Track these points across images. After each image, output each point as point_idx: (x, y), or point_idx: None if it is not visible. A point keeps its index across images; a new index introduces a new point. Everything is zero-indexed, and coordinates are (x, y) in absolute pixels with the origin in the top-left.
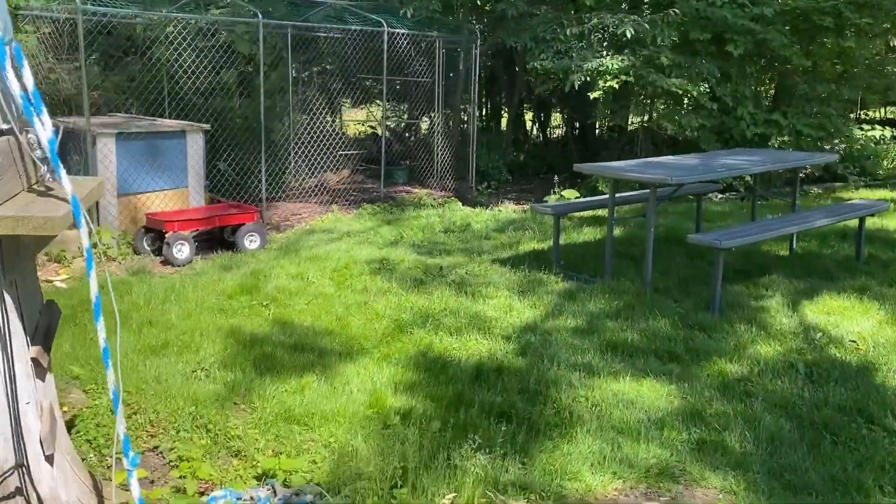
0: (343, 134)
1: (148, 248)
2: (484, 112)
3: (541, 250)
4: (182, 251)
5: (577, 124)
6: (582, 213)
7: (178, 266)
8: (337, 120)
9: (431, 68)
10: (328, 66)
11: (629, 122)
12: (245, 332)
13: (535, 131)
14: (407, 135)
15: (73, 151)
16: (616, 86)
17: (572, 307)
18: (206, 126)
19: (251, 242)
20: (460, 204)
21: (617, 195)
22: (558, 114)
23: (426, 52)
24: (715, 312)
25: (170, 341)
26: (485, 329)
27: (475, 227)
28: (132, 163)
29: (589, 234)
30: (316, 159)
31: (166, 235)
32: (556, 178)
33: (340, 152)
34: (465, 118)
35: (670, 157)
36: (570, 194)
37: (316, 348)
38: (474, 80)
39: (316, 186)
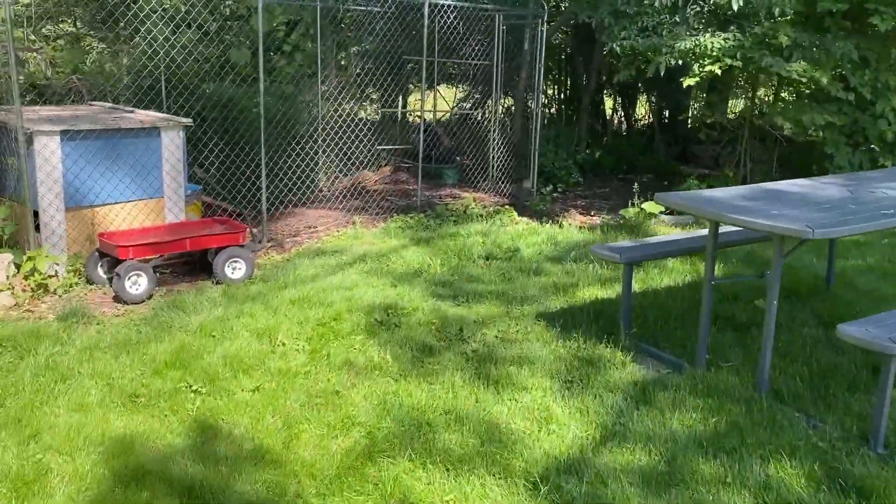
0: (383, 125)
1: (104, 277)
2: (563, 98)
3: (606, 301)
4: (138, 285)
5: (666, 114)
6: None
7: (130, 304)
8: (375, 108)
9: (490, 48)
10: (367, 47)
11: (728, 115)
12: (134, 453)
13: (616, 122)
14: (460, 127)
15: (9, 152)
16: (718, 71)
17: (643, 422)
18: (187, 121)
19: (234, 271)
20: (515, 214)
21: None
22: (643, 100)
23: (483, 28)
24: (877, 448)
25: (10, 468)
26: (502, 461)
27: (525, 252)
28: (87, 167)
29: (676, 273)
30: (350, 155)
31: (120, 263)
32: (635, 185)
33: (379, 147)
34: (531, 107)
35: (798, 183)
36: (654, 208)
37: (219, 501)
38: (537, 64)
39: (348, 189)
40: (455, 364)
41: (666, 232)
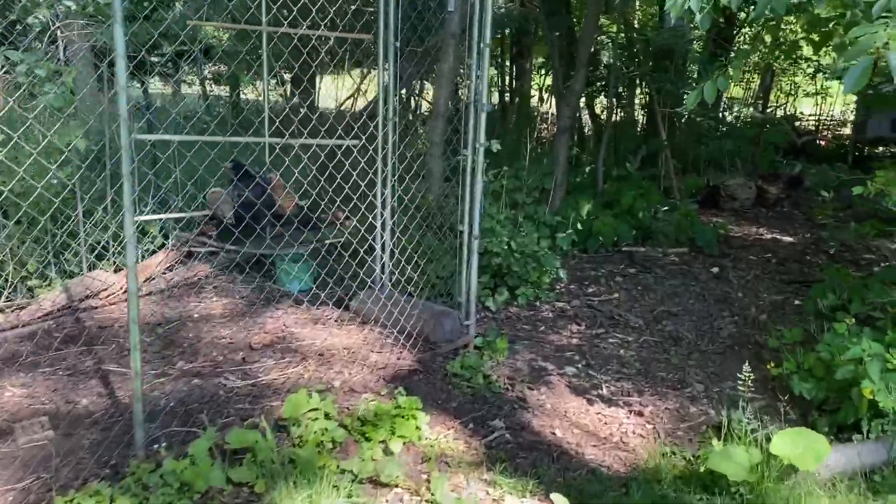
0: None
1: None
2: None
3: None
4: None
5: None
6: None
7: None
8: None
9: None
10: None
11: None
12: None
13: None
14: (321, 167)
15: None
16: None
17: None
18: None
19: None
20: (421, 417)
21: None
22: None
23: None
24: None
25: None
26: None
27: None
28: None
29: None
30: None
31: None
32: (746, 372)
33: (141, 218)
34: (460, 123)
35: None
36: (799, 458)
37: None
38: (482, 35)
39: (52, 317)
40: None
41: None
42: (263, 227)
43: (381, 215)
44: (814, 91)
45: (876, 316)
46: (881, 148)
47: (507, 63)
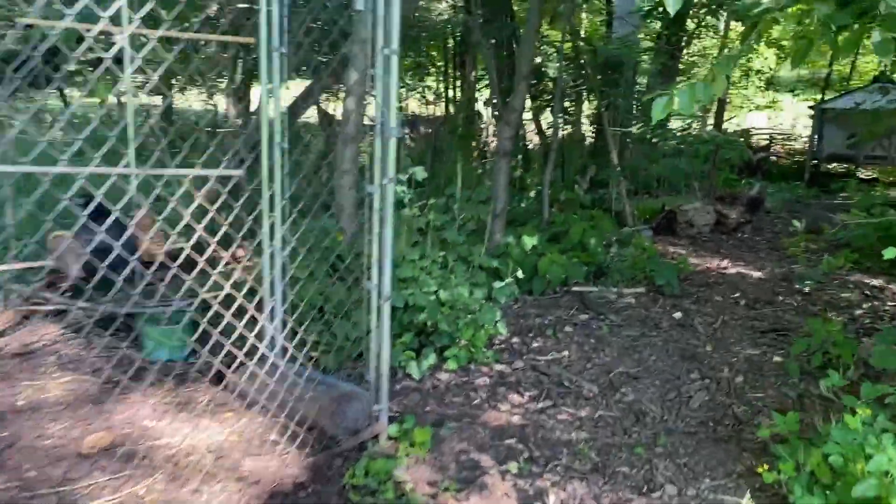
0: None
1: None
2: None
3: None
4: None
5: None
6: None
7: None
8: None
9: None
10: None
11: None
12: None
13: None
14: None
15: None
16: None
17: None
18: None
19: None
20: None
21: None
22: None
23: None
24: None
25: None
26: None
27: None
28: None
29: None
30: None
31: None
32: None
33: None
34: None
35: None
36: None
37: None
38: (388, 37)
39: None
40: None
41: None
42: (123, 278)
43: (271, 260)
44: (765, 105)
45: (888, 393)
46: (833, 164)
47: (453, 73)
